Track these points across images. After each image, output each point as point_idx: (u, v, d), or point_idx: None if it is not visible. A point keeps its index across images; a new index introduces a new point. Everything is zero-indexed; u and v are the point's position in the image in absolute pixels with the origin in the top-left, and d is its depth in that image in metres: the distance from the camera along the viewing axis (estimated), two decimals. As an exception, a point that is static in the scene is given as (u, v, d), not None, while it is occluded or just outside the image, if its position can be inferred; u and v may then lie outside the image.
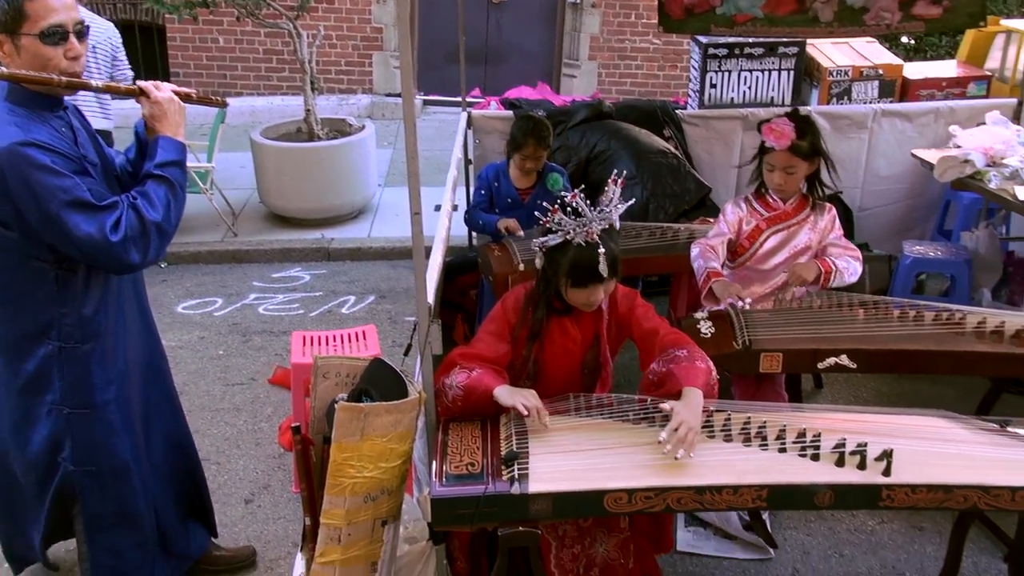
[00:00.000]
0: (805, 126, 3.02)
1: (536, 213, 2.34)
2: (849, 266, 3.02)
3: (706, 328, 2.89)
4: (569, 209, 2.27)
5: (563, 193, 2.29)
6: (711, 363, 2.30)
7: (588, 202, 2.27)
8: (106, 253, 2.10)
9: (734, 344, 2.79)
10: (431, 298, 2.29)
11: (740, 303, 2.91)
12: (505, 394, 2.18)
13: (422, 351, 2.23)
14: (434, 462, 2.12)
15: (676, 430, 2.04)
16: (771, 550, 3.06)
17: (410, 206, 2.11)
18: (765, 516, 3.16)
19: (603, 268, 2.23)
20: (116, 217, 2.10)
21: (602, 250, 2.24)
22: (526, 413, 2.11)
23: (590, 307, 2.36)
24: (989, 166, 3.96)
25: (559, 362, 2.43)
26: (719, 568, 2.99)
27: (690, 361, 2.26)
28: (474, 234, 4.68)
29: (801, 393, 3.88)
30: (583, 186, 2.34)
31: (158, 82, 2.30)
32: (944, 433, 2.26)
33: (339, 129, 6.16)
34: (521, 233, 3.75)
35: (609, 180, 2.32)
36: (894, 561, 3.04)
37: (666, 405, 2.10)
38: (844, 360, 2.76)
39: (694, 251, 3.16)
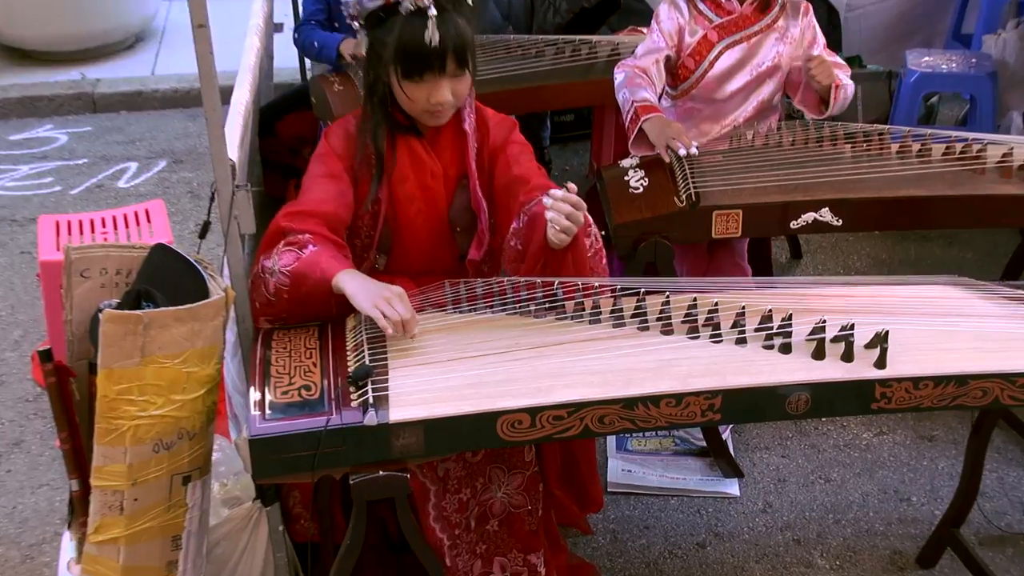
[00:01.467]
0: None
1: None
2: (847, 84, 3.04)
3: (637, 180, 2.89)
4: None
5: None
6: (593, 227, 2.34)
7: None
8: None
9: (676, 201, 2.81)
10: (234, 153, 2.23)
11: (683, 150, 2.90)
12: (356, 290, 2.13)
13: (225, 230, 2.18)
14: (252, 388, 2.08)
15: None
16: (735, 481, 3.17)
17: (191, 16, 2.00)
18: (726, 435, 3.26)
19: (433, 36, 2.21)
20: None
21: (433, 12, 2.21)
22: (390, 330, 2.08)
23: (437, 118, 2.36)
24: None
25: (418, 211, 2.43)
26: (665, 510, 3.09)
27: None
28: (307, 62, 4.60)
29: (772, 266, 3.98)
30: None
31: None
32: (957, 307, 2.32)
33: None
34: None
35: None
36: (896, 483, 3.20)
37: (554, 191, 2.17)
38: (826, 215, 2.80)
39: (618, 77, 3.13)
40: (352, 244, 2.42)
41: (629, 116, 3.02)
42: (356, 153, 2.38)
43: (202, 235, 2.31)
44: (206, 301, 2.08)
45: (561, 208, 2.13)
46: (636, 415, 2.04)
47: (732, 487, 3.16)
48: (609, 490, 3.13)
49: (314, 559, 2.53)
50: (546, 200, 2.15)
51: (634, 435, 3.33)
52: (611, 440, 3.31)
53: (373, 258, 2.48)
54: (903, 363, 2.11)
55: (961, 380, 2.11)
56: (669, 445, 3.32)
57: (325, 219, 2.29)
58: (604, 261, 2.39)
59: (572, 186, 2.17)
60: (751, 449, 3.32)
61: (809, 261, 4.33)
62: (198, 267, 2.15)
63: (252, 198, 2.22)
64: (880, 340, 2.11)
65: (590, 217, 2.31)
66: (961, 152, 2.96)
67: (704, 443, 3.25)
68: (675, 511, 3.09)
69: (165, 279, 2.14)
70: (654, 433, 3.33)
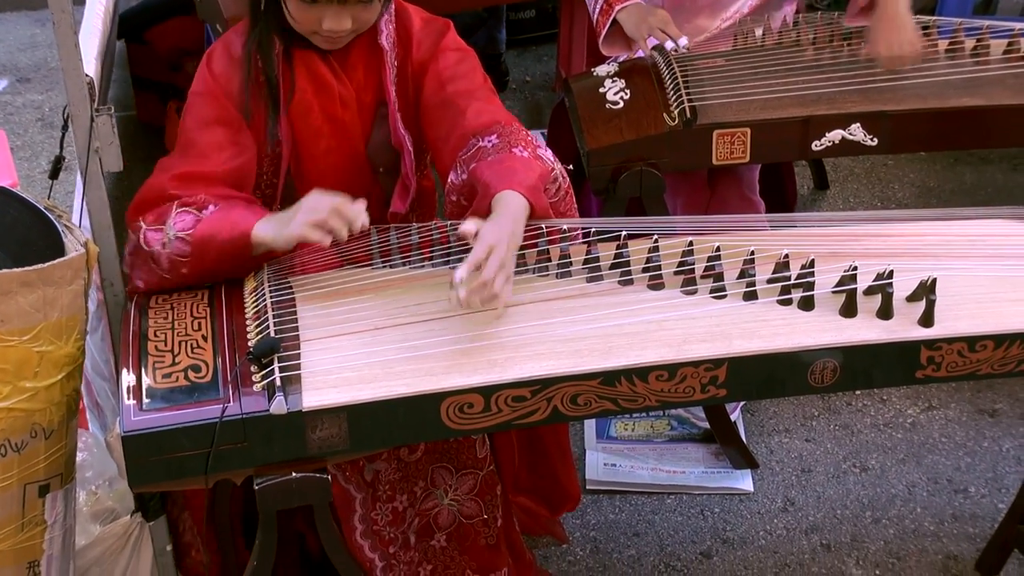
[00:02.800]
0: None
1: None
2: None
3: (615, 92, 2.89)
4: None
5: None
6: (549, 153, 2.33)
7: None
8: None
9: (666, 118, 2.81)
10: (91, 67, 2.22)
11: (671, 44, 2.90)
12: (276, 228, 2.13)
13: (84, 168, 2.17)
14: (125, 371, 2.07)
15: (478, 267, 2.01)
16: (748, 474, 3.20)
17: None
18: (735, 416, 3.29)
19: None
20: None
21: None
22: (343, 234, 2.08)
23: (332, 43, 2.34)
24: None
25: (327, 149, 2.42)
26: (660, 512, 3.12)
27: (503, 150, 2.25)
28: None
29: (792, 199, 4.00)
30: None
31: None
32: (1021, 245, 2.34)
33: None
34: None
35: None
36: (950, 471, 3.25)
37: (468, 225, 2.09)
38: (857, 133, 2.82)
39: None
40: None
41: (599, 6, 3.02)
42: (245, 78, 2.34)
43: (54, 174, 2.30)
44: (61, 260, 2.07)
45: (473, 292, 2.01)
46: (618, 393, 2.04)
47: (744, 481, 3.20)
48: (588, 488, 3.15)
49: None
50: (456, 289, 2.02)
51: (618, 418, 3.35)
52: (589, 426, 3.33)
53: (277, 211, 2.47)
54: (955, 319, 2.13)
55: (1028, 339, 2.14)
56: (664, 429, 3.35)
57: (225, 182, 2.28)
58: (574, 202, 2.39)
59: (466, 228, 2.07)
60: (767, 433, 3.36)
61: (838, 192, 4.36)
62: (50, 216, 2.14)
63: (118, 125, 2.20)
64: (926, 291, 2.12)
65: (547, 156, 2.31)
66: (1028, 50, 2.99)
67: (708, 425, 3.28)
68: (672, 513, 3.11)
69: (6, 233, 2.13)
70: (644, 415, 3.36)
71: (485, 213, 2.18)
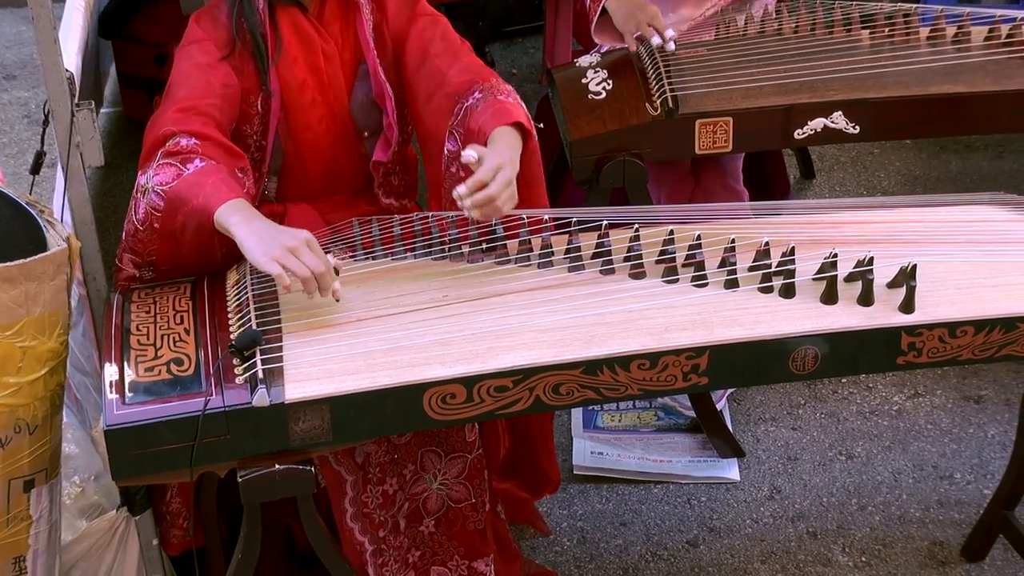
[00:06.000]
0: None
1: None
2: None
3: (598, 83, 2.89)
4: None
5: None
6: (523, 106, 2.38)
7: None
8: None
9: (648, 108, 2.81)
10: (72, 62, 2.22)
11: (658, 39, 2.90)
12: (248, 237, 2.07)
13: (65, 163, 2.17)
14: (108, 364, 2.07)
15: (481, 187, 2.14)
16: (734, 463, 3.21)
17: None
18: (721, 405, 3.29)
19: None
20: None
21: None
22: (293, 291, 2.06)
23: None
24: None
25: (312, 101, 2.45)
26: (647, 501, 3.12)
27: (490, 97, 2.35)
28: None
29: (788, 188, 4.00)
30: None
31: None
32: (1002, 232, 2.36)
33: None
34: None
35: None
36: (936, 457, 3.25)
37: (470, 152, 2.18)
38: (839, 121, 2.82)
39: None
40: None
41: None
42: (229, 35, 2.39)
43: (35, 169, 2.29)
44: (43, 255, 2.07)
45: (477, 203, 2.14)
46: (600, 382, 2.05)
47: (731, 470, 3.20)
48: (575, 474, 3.16)
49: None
50: (459, 203, 2.17)
51: (605, 408, 3.36)
52: (576, 416, 3.33)
53: (264, 183, 2.50)
54: (936, 305, 2.13)
55: (1009, 323, 2.14)
56: (650, 420, 3.35)
57: (211, 115, 2.29)
58: (541, 165, 2.44)
59: (468, 154, 2.16)
60: (753, 421, 3.36)
61: (824, 181, 4.36)
62: (31, 212, 2.14)
63: (100, 120, 2.20)
64: (906, 277, 2.13)
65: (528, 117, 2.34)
66: (1008, 36, 2.98)
67: (694, 414, 3.28)
68: (659, 502, 3.12)
69: (-12, 228, 2.13)
70: (631, 405, 3.37)
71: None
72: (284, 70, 2.43)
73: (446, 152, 2.42)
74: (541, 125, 2.44)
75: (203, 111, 2.28)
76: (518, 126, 2.30)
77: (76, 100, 2.16)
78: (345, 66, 2.48)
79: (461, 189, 2.13)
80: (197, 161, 2.19)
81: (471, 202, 2.12)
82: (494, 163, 2.15)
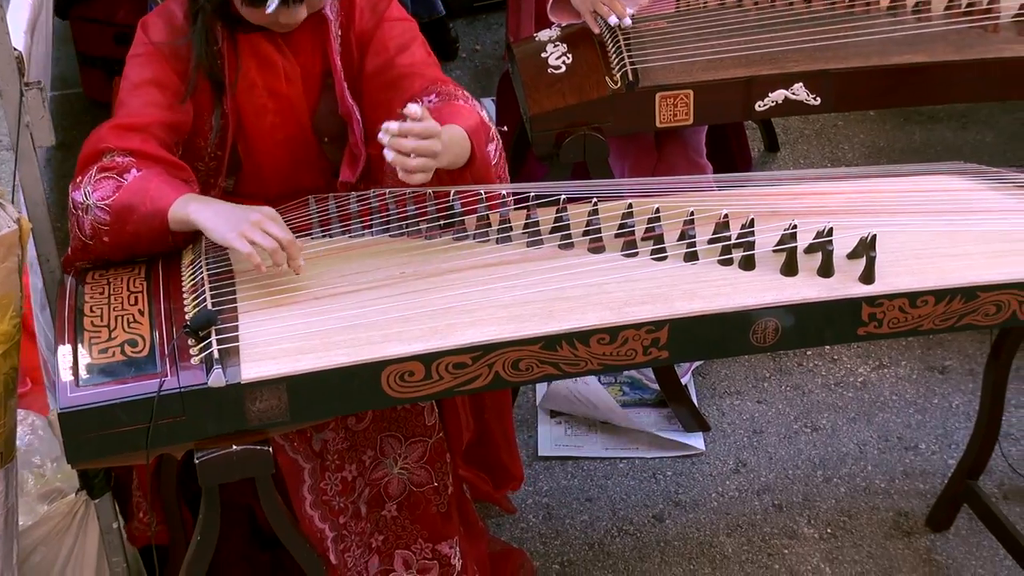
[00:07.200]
0: None
1: None
2: None
3: (557, 57, 2.87)
4: None
5: None
6: (485, 114, 2.35)
7: None
8: None
9: (608, 82, 2.80)
10: (20, 40, 2.20)
11: (615, 19, 2.88)
12: (210, 218, 2.09)
13: (15, 143, 2.15)
14: (61, 347, 2.05)
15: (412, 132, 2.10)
16: (699, 436, 3.21)
17: None
18: (686, 379, 3.29)
19: None
20: None
21: None
22: (267, 263, 2.05)
23: (287, 27, 2.33)
24: None
25: (272, 125, 2.41)
26: (612, 476, 3.13)
27: (447, 100, 2.31)
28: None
29: (749, 160, 4.00)
30: None
31: None
32: (961, 201, 2.35)
33: None
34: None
35: None
36: (900, 428, 3.27)
37: (414, 106, 2.12)
38: (800, 92, 2.81)
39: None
40: (194, 168, 2.38)
41: None
42: (186, 52, 2.32)
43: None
44: (-8, 235, 2.05)
45: (402, 146, 2.08)
46: (560, 357, 2.04)
47: (696, 443, 3.20)
48: (540, 454, 3.15)
49: (163, 562, 2.52)
50: (381, 136, 2.10)
51: (570, 384, 3.35)
52: (541, 390, 3.32)
53: (223, 184, 2.46)
54: (896, 275, 2.13)
55: (969, 293, 2.14)
56: (616, 394, 3.34)
57: (154, 133, 2.26)
58: (506, 165, 2.41)
59: (412, 109, 2.10)
60: (719, 395, 3.37)
61: (788, 154, 4.36)
62: (-20, 191, 2.12)
63: (59, 101, 2.17)
64: (866, 247, 2.12)
65: (489, 122, 2.33)
66: (969, 5, 2.98)
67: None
68: (625, 477, 3.12)
69: (-64, 210, 2.11)
70: (596, 380, 3.35)
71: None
72: (243, 95, 2.37)
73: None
74: (504, 128, 2.43)
75: (143, 128, 2.25)
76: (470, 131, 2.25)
77: (25, 79, 2.13)
78: (312, 82, 2.41)
79: (392, 125, 2.07)
80: (134, 171, 2.17)
81: (390, 140, 2.06)
82: (433, 125, 2.10)
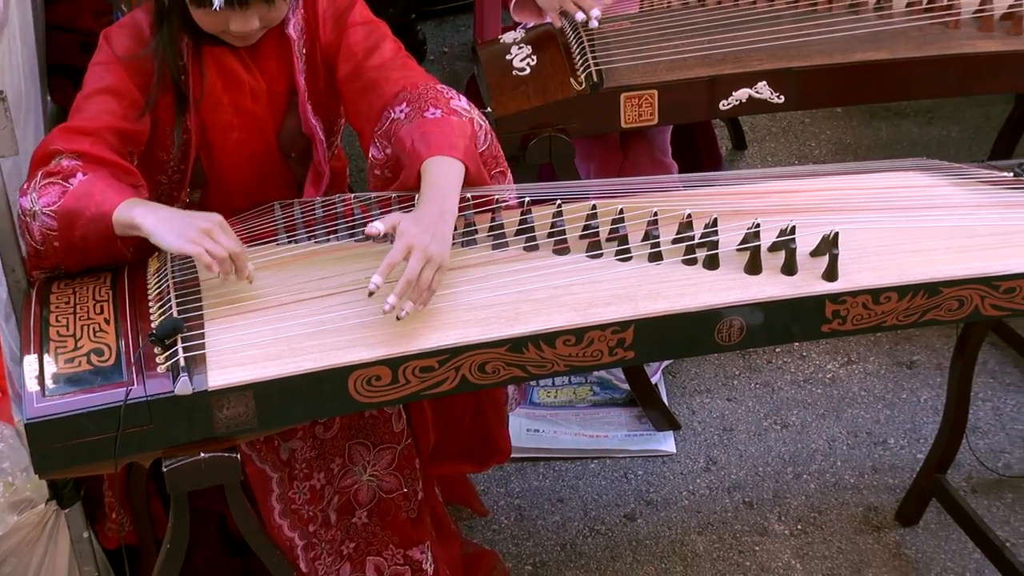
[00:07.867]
0: None
1: None
2: None
3: (522, 59, 2.87)
4: None
5: None
6: (463, 102, 2.33)
7: None
8: None
9: (573, 83, 2.79)
10: None
11: (581, 15, 2.87)
12: (157, 224, 2.06)
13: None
14: (27, 357, 2.04)
15: (392, 267, 2.00)
16: (670, 435, 3.22)
17: None
18: (656, 379, 3.29)
19: None
20: None
21: None
22: (215, 269, 2.03)
23: (242, 41, 2.32)
24: None
25: (237, 141, 2.40)
26: (583, 476, 3.13)
27: (415, 118, 2.25)
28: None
29: (713, 160, 3.99)
30: None
31: None
32: (922, 197, 2.36)
33: None
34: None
35: None
36: (869, 423, 3.28)
37: (376, 225, 2.06)
38: (763, 91, 2.82)
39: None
40: (156, 181, 2.38)
41: None
42: (148, 66, 2.31)
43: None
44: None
45: (400, 294, 1.98)
46: (526, 359, 2.04)
47: (666, 443, 3.21)
48: (512, 455, 3.14)
49: (134, 568, 2.51)
50: (373, 280, 1.99)
51: (540, 384, 3.35)
52: (512, 391, 3.31)
53: (186, 197, 2.45)
54: (859, 272, 2.14)
55: (931, 289, 2.14)
56: (586, 395, 3.35)
57: (105, 138, 2.23)
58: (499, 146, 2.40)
59: (375, 227, 2.04)
60: (689, 393, 3.37)
61: (756, 152, 4.37)
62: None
63: (38, 109, 2.15)
64: (828, 245, 2.13)
65: (462, 106, 2.31)
66: (930, 2, 2.98)
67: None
68: (596, 477, 3.13)
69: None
70: (566, 380, 3.36)
71: (414, 182, 2.18)
72: (208, 111, 2.35)
73: (371, 157, 2.36)
74: (488, 110, 2.41)
75: (93, 132, 2.22)
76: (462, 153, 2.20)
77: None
78: (277, 99, 2.40)
79: (377, 279, 1.97)
80: (80, 175, 2.14)
81: (393, 299, 1.96)
82: (405, 243, 2.00)
